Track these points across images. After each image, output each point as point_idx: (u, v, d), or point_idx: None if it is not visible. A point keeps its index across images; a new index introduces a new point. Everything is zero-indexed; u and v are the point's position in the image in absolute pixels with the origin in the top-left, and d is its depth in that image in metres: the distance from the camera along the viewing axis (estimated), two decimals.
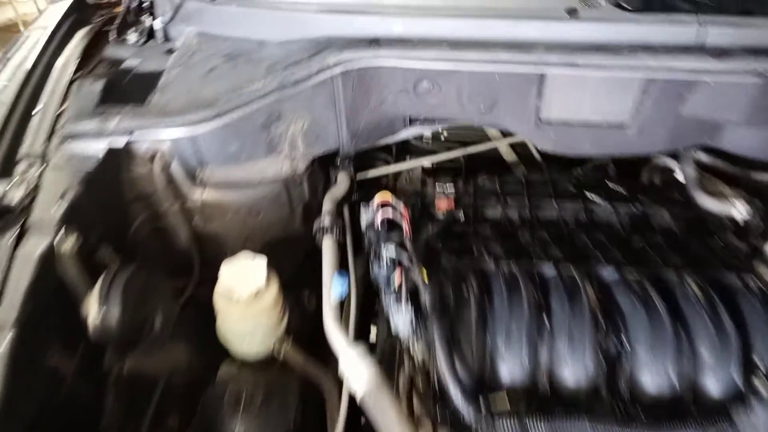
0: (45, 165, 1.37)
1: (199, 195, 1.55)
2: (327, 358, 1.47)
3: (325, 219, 1.57)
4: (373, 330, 1.72)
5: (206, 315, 1.51)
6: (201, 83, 1.49)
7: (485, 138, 2.05)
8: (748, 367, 1.26)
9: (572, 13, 1.43)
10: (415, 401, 1.30)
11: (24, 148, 1.41)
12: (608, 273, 1.44)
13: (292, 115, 1.52)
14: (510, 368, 1.30)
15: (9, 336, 1.08)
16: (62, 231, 1.25)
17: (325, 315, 1.38)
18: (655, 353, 1.29)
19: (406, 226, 1.52)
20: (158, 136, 1.41)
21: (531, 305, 1.35)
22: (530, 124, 1.55)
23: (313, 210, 1.73)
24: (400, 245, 1.47)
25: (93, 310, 1.24)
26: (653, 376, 1.28)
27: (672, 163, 1.80)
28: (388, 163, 2.00)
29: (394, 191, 1.94)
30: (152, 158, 1.47)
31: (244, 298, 1.43)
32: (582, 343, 1.31)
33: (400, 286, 1.38)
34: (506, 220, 1.70)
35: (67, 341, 1.28)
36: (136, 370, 1.42)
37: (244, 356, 1.56)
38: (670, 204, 1.71)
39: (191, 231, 1.60)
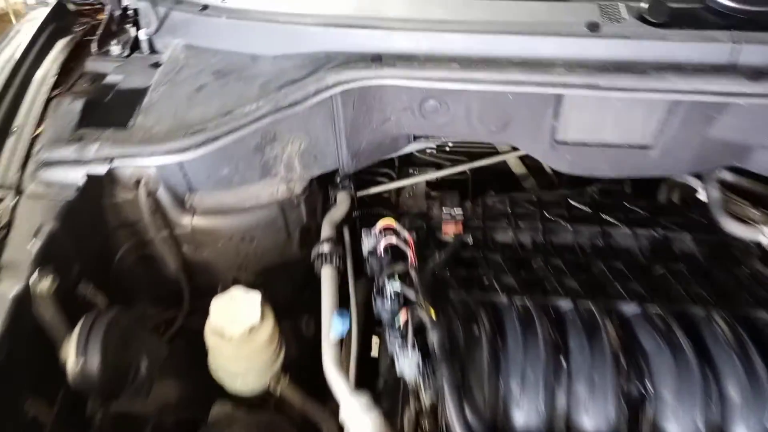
0: (18, 197, 1.26)
1: (188, 221, 1.45)
2: (326, 390, 1.37)
3: (324, 246, 1.47)
4: (375, 343, 1.64)
5: (198, 347, 1.41)
6: (189, 103, 1.37)
7: (492, 149, 1.93)
8: None
9: (593, 28, 1.31)
10: None
11: None
12: (629, 308, 1.35)
13: (288, 135, 1.41)
14: (525, 414, 1.22)
15: None
16: (37, 272, 1.16)
17: (324, 357, 1.29)
18: (681, 398, 1.21)
19: (410, 253, 1.42)
20: (141, 163, 1.30)
21: (547, 345, 1.27)
22: (545, 144, 1.44)
23: (311, 232, 1.63)
24: (405, 276, 1.38)
25: (71, 360, 1.14)
26: (679, 423, 1.20)
27: (694, 182, 1.69)
28: (390, 178, 1.89)
29: (397, 207, 1.85)
30: (137, 183, 1.37)
31: (237, 336, 1.33)
32: (603, 387, 1.23)
33: (405, 324, 1.28)
34: (518, 244, 1.60)
35: (46, 388, 1.21)
36: (122, 414, 1.33)
37: (238, 392, 1.46)
38: (692, 227, 1.61)
39: (180, 259, 1.49)
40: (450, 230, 1.58)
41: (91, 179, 1.30)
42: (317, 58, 1.41)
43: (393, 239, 1.44)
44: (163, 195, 1.39)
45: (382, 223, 1.47)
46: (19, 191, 1.29)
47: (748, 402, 1.19)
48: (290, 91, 1.34)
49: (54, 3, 1.61)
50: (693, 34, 1.31)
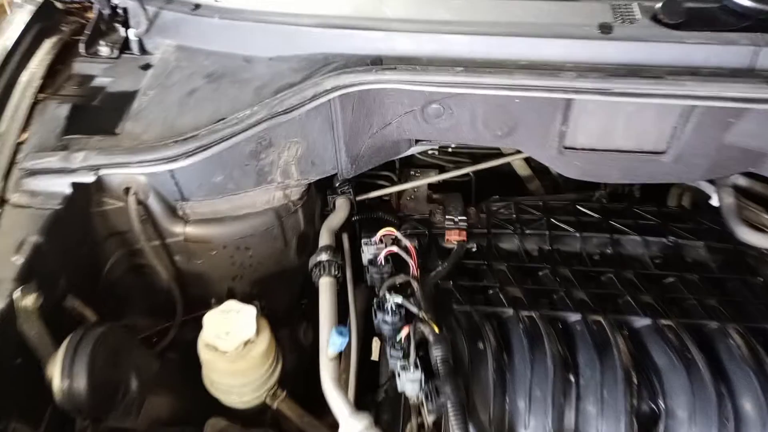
0: (2, 208, 1.21)
1: (180, 230, 1.39)
2: (325, 402, 1.32)
3: (322, 255, 1.41)
4: (375, 345, 1.59)
5: (192, 359, 1.36)
6: (180, 109, 1.31)
7: (496, 151, 1.87)
8: None
9: (606, 29, 1.24)
10: None
11: None
12: (640, 321, 1.30)
13: (284, 141, 1.35)
14: None
15: None
16: (20, 289, 1.11)
17: (323, 375, 1.24)
18: (695, 417, 1.17)
19: (412, 263, 1.37)
20: (130, 172, 1.24)
21: (555, 361, 1.22)
22: (552, 150, 1.38)
23: (309, 239, 1.58)
24: (407, 287, 1.32)
25: (56, 382, 1.09)
26: None
27: (707, 187, 1.63)
28: (391, 180, 1.83)
29: (398, 210, 1.79)
30: (126, 191, 1.31)
31: (231, 350, 1.28)
32: (613, 406, 1.18)
33: (407, 340, 1.23)
34: (524, 253, 1.54)
35: (32, 408, 1.16)
36: (113, 430, 1.27)
37: (233, 406, 1.41)
38: (705, 234, 1.55)
39: (173, 269, 1.44)
40: (453, 238, 1.52)
41: (78, 188, 1.24)
42: (315, 60, 1.34)
43: (394, 248, 1.39)
44: (153, 203, 1.33)
45: (382, 232, 1.42)
46: (2, 201, 1.24)
47: (764, 419, 1.15)
48: (286, 95, 1.27)
49: (41, 1, 1.54)
50: (710, 35, 1.24)
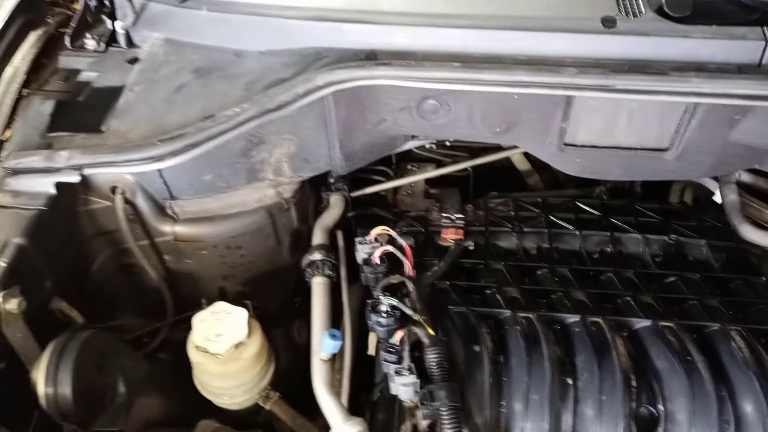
0: None
1: (169, 230, 1.36)
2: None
3: (315, 254, 1.38)
4: (372, 340, 1.56)
5: (183, 360, 1.33)
6: (167, 105, 1.27)
7: (495, 145, 1.83)
8: None
9: (609, 23, 1.20)
10: None
11: None
12: (640, 323, 1.28)
13: (275, 138, 1.31)
14: None
15: None
16: (3, 293, 1.08)
17: (314, 378, 1.21)
18: (695, 420, 1.14)
19: (407, 263, 1.33)
20: (116, 171, 1.21)
21: (553, 363, 1.20)
22: (552, 147, 1.34)
23: (303, 237, 1.54)
24: (401, 288, 1.29)
25: (40, 388, 1.07)
26: None
27: (710, 184, 1.59)
28: (387, 175, 1.79)
29: (395, 206, 1.75)
30: (113, 190, 1.27)
31: (222, 353, 1.25)
32: (612, 410, 1.16)
33: (401, 342, 1.19)
34: (522, 251, 1.51)
35: (19, 412, 1.14)
36: None
37: (225, 407, 1.39)
38: (707, 232, 1.52)
39: (162, 269, 1.41)
40: (450, 237, 1.48)
41: (63, 188, 1.21)
42: (306, 55, 1.30)
43: (388, 247, 1.35)
44: (141, 202, 1.30)
45: (377, 230, 1.38)
46: None
47: (766, 422, 1.13)
48: (277, 92, 1.23)
49: None
50: (717, 30, 1.20)
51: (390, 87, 1.27)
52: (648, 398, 1.18)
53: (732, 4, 1.26)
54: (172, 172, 1.25)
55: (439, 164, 1.85)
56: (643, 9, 1.25)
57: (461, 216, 1.52)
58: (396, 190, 1.80)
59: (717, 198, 1.56)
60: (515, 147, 1.75)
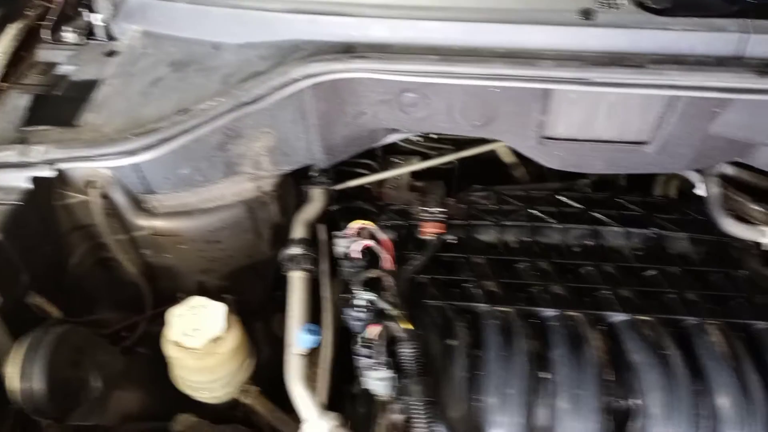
0: None
1: (147, 224, 1.35)
2: None
3: (294, 248, 1.37)
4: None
5: (161, 354, 1.33)
6: (143, 98, 1.26)
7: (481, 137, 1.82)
8: None
9: (587, 15, 1.19)
10: None
11: None
12: (618, 317, 1.28)
13: (253, 132, 1.30)
14: None
15: None
16: None
17: (288, 375, 1.20)
18: (669, 414, 1.15)
19: (387, 257, 1.33)
20: (90, 166, 1.20)
21: (529, 357, 1.20)
22: (531, 140, 1.33)
23: (285, 231, 1.53)
24: (379, 282, 1.28)
25: (14, 383, 1.06)
26: None
27: (693, 176, 1.58)
28: (372, 168, 1.78)
29: (379, 199, 1.75)
30: (88, 184, 1.26)
31: (198, 347, 1.25)
32: (587, 403, 1.16)
33: (379, 336, 1.19)
34: (503, 245, 1.50)
35: None
36: (79, 428, 1.25)
37: (204, 401, 1.38)
38: (689, 225, 1.51)
39: (140, 264, 1.40)
40: (429, 230, 1.47)
41: (38, 182, 1.20)
42: (284, 48, 1.29)
43: (367, 241, 1.34)
44: (118, 196, 1.29)
45: (356, 224, 1.37)
46: None
47: (740, 416, 1.13)
48: (253, 84, 1.23)
49: None
50: (696, 22, 1.19)
51: (368, 80, 1.26)
52: (624, 392, 1.18)
53: None
54: (148, 166, 1.25)
55: (425, 157, 1.84)
56: (622, 1, 1.24)
57: (443, 209, 1.51)
58: (381, 183, 1.79)
59: (699, 191, 1.55)
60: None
